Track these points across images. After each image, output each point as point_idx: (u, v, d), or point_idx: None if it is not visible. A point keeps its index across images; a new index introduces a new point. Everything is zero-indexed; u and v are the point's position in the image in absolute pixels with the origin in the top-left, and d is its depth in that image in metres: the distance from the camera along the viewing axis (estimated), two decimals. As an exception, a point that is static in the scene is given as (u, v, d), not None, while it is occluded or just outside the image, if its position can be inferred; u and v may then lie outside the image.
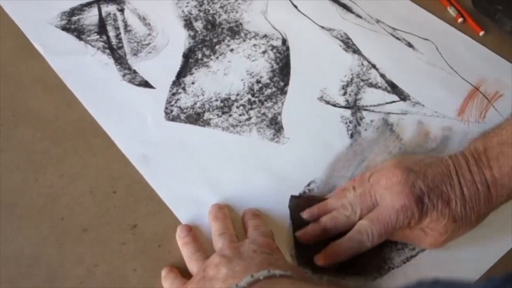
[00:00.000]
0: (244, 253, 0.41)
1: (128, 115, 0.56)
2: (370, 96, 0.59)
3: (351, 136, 0.56)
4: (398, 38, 0.65)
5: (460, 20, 0.67)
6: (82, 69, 0.60)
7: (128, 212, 0.50)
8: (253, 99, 0.58)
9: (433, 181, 0.44)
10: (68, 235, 0.48)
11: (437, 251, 0.47)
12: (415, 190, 0.44)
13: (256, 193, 0.51)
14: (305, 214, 0.48)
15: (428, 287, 0.28)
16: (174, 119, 0.57)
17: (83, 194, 0.50)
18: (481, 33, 0.66)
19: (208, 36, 0.64)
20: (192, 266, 0.45)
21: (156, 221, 0.49)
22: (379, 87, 0.60)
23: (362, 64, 0.62)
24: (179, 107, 0.57)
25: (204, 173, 0.53)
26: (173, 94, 0.58)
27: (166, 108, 0.57)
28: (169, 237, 0.48)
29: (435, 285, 0.28)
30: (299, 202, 0.50)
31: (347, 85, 0.60)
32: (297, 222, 0.48)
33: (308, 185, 0.52)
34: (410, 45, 0.64)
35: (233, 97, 0.58)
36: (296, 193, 0.51)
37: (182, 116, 0.57)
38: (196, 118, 0.57)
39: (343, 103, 0.59)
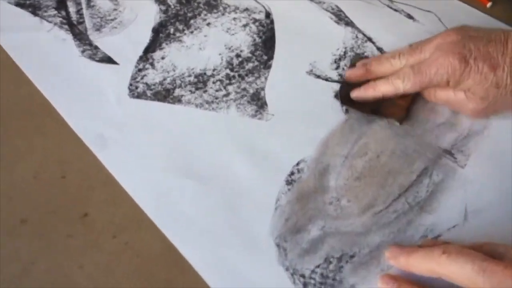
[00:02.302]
0: None
1: (85, 93, 0.48)
2: (367, 70, 0.51)
3: (346, 111, 0.48)
4: (396, 10, 0.58)
5: (465, -8, 0.60)
6: (34, 45, 0.52)
7: (78, 199, 0.41)
8: (232, 73, 0.50)
9: (486, 46, 0.44)
10: (2, 227, 0.39)
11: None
12: (463, 51, 0.44)
13: (237, 175, 0.43)
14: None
15: None
16: (139, 96, 0.48)
17: (24, 179, 0.42)
18: (489, 4, 0.59)
19: (182, 11, 0.56)
20: None
21: (111, 210, 0.40)
22: (377, 61, 0.52)
23: (357, 37, 0.54)
24: (146, 83, 0.49)
25: (173, 154, 0.44)
26: (139, 70, 0.50)
27: (131, 85, 0.49)
28: (127, 226, 0.39)
29: None
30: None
31: (339, 59, 0.52)
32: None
33: (297, 164, 0.43)
34: (409, 16, 0.57)
35: (209, 72, 0.50)
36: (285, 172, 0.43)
37: (149, 93, 0.49)
38: (165, 94, 0.48)
39: (336, 77, 0.51)
